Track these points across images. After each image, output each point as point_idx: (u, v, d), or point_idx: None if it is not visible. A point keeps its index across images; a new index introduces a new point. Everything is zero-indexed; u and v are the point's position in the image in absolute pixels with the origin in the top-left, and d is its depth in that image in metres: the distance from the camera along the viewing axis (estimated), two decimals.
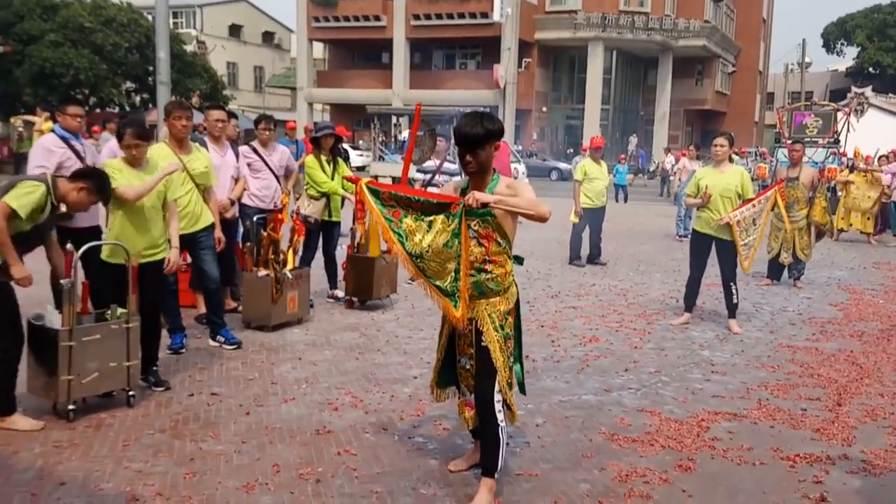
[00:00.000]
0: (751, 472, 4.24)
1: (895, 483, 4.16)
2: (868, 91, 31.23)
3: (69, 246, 4.94)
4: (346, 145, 19.39)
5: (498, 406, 3.74)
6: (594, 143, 11.26)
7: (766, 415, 5.13)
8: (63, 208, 4.91)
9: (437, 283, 3.67)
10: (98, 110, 31.10)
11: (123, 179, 4.97)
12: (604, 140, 12.02)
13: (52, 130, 6.18)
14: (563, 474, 4.14)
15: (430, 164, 9.17)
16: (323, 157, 7.76)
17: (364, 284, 7.73)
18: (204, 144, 6.62)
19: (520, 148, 36.18)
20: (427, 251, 3.64)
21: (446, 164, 9.15)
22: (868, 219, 14.94)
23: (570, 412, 5.08)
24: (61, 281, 4.60)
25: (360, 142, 35.44)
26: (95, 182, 4.60)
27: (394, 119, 33.45)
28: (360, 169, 28.06)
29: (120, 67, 31.39)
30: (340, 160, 8.02)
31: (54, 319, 4.63)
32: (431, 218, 3.65)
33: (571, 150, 38.95)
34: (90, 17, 29.98)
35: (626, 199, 23.10)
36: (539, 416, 4.98)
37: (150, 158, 5.27)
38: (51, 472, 3.94)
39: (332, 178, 7.72)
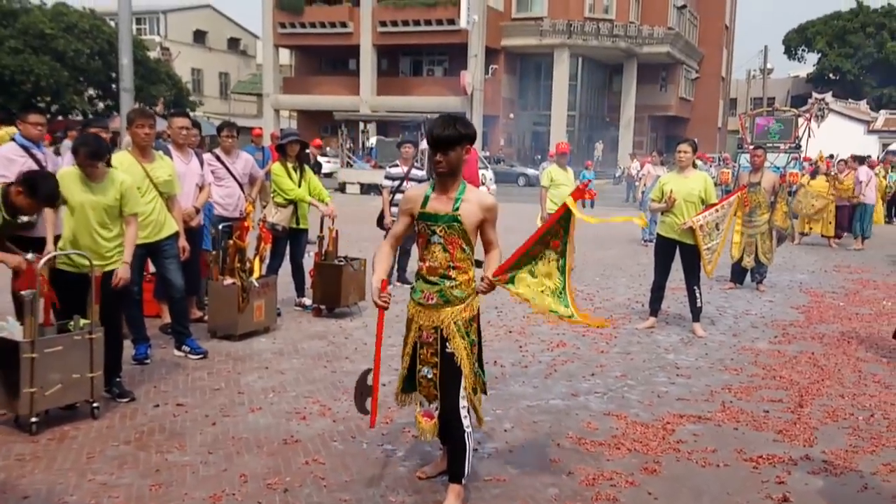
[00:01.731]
0: (715, 474, 4.30)
1: (855, 483, 4.24)
2: (828, 97, 31.92)
3: (30, 255, 4.89)
4: (321, 158, 19.30)
5: (464, 412, 3.76)
6: (560, 148, 11.34)
7: (729, 417, 5.20)
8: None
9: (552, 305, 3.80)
10: (60, 117, 30.65)
11: (67, 191, 4.94)
12: (569, 146, 12.12)
13: (13, 139, 6.09)
14: (531, 479, 4.16)
15: (398, 170, 9.17)
16: (289, 165, 7.73)
17: (332, 292, 7.71)
18: (167, 152, 6.56)
19: (487, 154, 36.32)
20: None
21: (414, 171, 9.17)
22: (830, 223, 15.20)
23: (538, 417, 5.12)
24: (23, 292, 4.53)
25: (328, 148, 35.29)
26: (27, 184, 4.63)
27: (361, 125, 33.41)
28: (328, 175, 27.95)
29: (82, 74, 31.02)
30: (307, 167, 8.00)
31: (15, 331, 4.57)
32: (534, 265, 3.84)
33: (539, 156, 39.17)
34: (51, 23, 29.57)
35: (592, 205, 23.28)
36: (507, 422, 5.01)
37: (109, 173, 5.15)
38: (14, 486, 3.88)
39: (299, 186, 7.70)
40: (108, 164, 5.16)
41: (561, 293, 3.79)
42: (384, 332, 3.96)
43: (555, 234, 3.81)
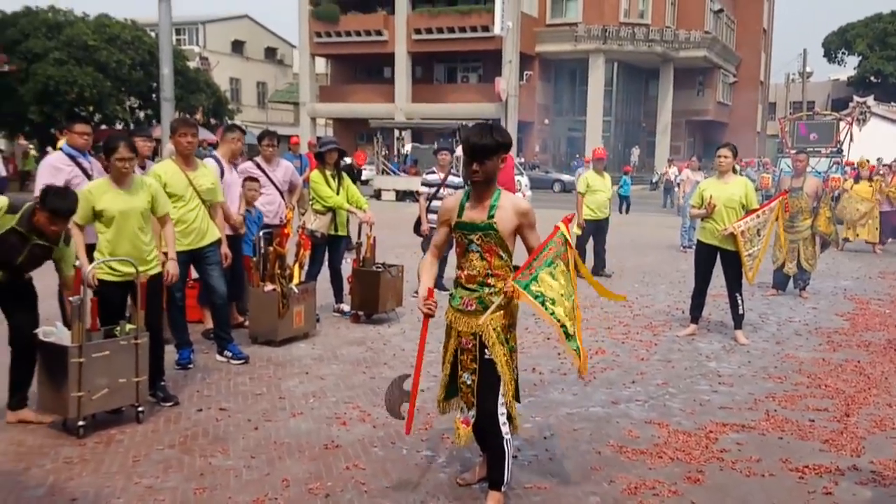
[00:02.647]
0: (760, 484, 4.23)
1: None
2: (870, 100, 31.30)
3: (77, 262, 4.98)
4: (363, 168, 19.31)
5: (502, 419, 3.75)
6: (596, 154, 11.30)
7: (774, 426, 5.12)
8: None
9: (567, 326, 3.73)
10: (103, 126, 31.20)
11: (103, 202, 4.96)
12: (606, 152, 12.06)
13: (60, 148, 6.21)
14: (572, 487, 4.14)
15: (435, 177, 9.19)
16: (328, 172, 7.80)
17: (370, 298, 7.75)
18: (218, 161, 6.69)
19: (522, 160, 36.26)
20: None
21: (450, 178, 9.18)
22: (876, 228, 14.90)
23: (578, 425, 5.09)
24: (70, 298, 4.62)
25: None
26: (41, 200, 4.53)
27: (396, 133, 33.58)
28: (364, 183, 28.11)
29: (124, 84, 31.53)
30: (345, 174, 8.06)
31: (63, 336, 4.66)
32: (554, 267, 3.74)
33: (575, 162, 38.97)
34: (94, 35, 30.14)
35: (627, 210, 23.12)
36: (547, 429, 4.98)
37: (136, 178, 5.21)
38: (62, 489, 3.96)
39: (338, 193, 7.77)
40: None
41: (572, 314, 3.77)
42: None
43: (562, 249, 3.79)
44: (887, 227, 15.32)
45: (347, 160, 10.39)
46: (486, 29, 39.55)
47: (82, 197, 4.90)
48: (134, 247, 5.08)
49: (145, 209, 5.15)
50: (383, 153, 30.03)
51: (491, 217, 3.68)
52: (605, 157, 11.42)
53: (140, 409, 4.88)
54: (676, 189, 20.72)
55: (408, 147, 32.33)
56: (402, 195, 26.14)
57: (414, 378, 4.01)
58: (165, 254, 5.39)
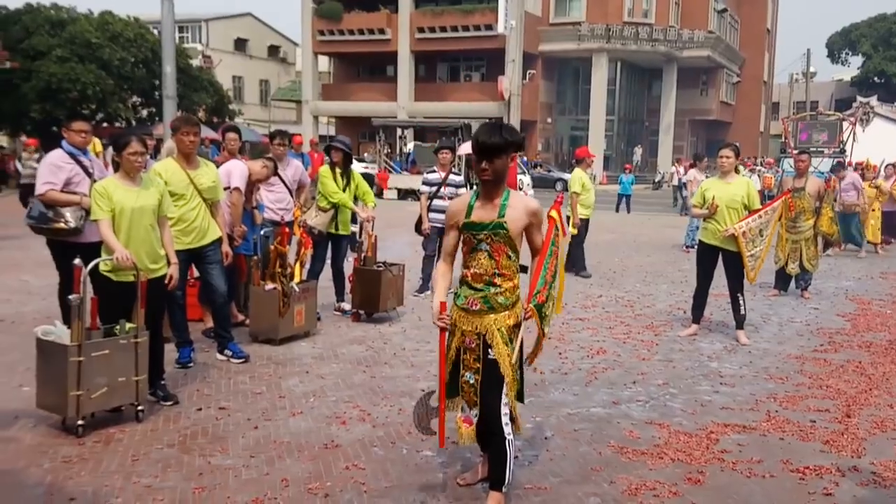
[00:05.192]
0: (760, 485, 4.22)
1: None
2: (873, 100, 31.25)
3: (77, 261, 4.96)
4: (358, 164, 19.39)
5: (505, 419, 3.74)
6: (581, 154, 11.39)
7: (775, 427, 5.11)
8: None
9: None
10: (105, 125, 31.20)
11: (116, 199, 4.91)
12: (588, 150, 12.13)
13: (60, 146, 6.17)
14: (572, 488, 4.12)
15: (436, 176, 9.18)
16: (338, 169, 7.81)
17: (371, 297, 7.74)
18: (208, 158, 6.68)
19: (525, 159, 36.20)
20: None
21: (451, 177, 9.16)
22: (878, 229, 14.85)
23: (579, 425, 5.07)
24: (69, 297, 4.61)
25: (366, 154, 35.52)
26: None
27: (399, 131, 33.54)
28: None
29: (127, 82, 31.49)
30: (355, 173, 8.07)
31: (63, 335, 4.65)
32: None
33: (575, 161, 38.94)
34: (97, 32, 30.10)
35: (628, 209, 23.09)
36: (548, 429, 4.97)
37: (144, 175, 5.21)
38: (61, 488, 3.95)
39: (345, 191, 7.77)
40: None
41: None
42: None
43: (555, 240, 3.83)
44: (889, 226, 15.26)
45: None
46: (489, 28, 39.52)
47: (98, 193, 4.90)
48: (149, 245, 5.08)
49: (156, 206, 5.15)
50: (385, 151, 30.01)
51: (501, 216, 3.67)
52: (591, 156, 11.54)
53: (140, 407, 4.88)
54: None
55: (410, 146, 32.30)
56: (404, 194, 26.12)
57: (440, 393, 3.96)
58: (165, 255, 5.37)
